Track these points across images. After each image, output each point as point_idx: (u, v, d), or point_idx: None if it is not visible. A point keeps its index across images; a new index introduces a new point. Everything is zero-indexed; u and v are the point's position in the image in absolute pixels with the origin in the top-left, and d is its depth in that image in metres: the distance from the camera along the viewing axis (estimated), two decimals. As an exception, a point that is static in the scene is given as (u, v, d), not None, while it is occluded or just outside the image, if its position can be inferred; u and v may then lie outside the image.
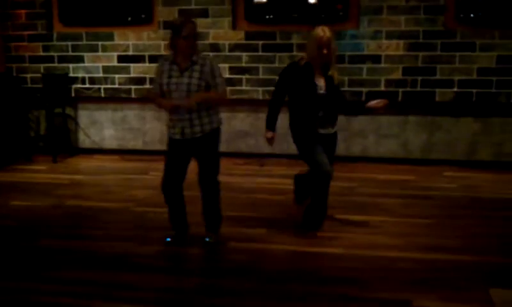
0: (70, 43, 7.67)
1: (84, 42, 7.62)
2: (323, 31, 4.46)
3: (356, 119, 7.00)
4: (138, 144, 7.77)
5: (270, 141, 4.75)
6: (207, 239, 4.54)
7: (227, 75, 7.32)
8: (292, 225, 4.89)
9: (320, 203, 4.71)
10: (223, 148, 7.58)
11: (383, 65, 6.97)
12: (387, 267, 4.06)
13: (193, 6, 7.25)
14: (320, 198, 4.69)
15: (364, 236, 4.65)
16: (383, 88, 7.00)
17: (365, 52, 6.98)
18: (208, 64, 4.22)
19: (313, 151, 4.57)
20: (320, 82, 4.56)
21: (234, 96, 7.37)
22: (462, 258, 4.22)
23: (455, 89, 6.90)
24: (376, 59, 6.98)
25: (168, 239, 4.56)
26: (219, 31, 7.27)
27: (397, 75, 6.96)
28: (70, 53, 7.69)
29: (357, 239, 4.58)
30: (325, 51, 4.44)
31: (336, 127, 4.75)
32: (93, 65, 7.64)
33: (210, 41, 7.30)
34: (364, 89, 7.03)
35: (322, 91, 4.55)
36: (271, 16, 7.28)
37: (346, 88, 7.00)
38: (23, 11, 7.74)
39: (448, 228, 4.88)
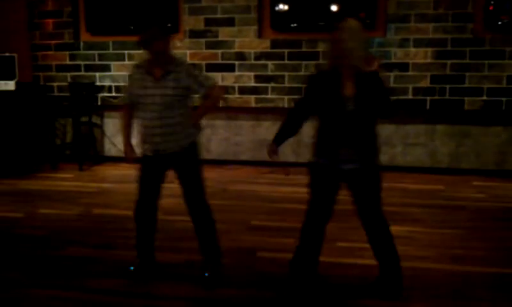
0: (96, 52, 7.73)
1: (111, 51, 7.67)
2: (344, 23, 3.37)
3: (383, 127, 6.94)
4: (163, 153, 7.78)
5: (270, 154, 3.88)
6: (206, 274, 4.00)
7: (252, 84, 7.32)
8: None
9: (301, 257, 3.85)
10: (247, 156, 7.65)
11: (410, 73, 6.90)
12: (420, 279, 3.99)
13: (219, 15, 7.27)
14: (301, 250, 3.85)
15: (394, 247, 4.57)
16: (410, 96, 6.93)
17: (393, 60, 6.92)
18: (184, 69, 3.85)
19: (312, 196, 3.69)
20: (349, 93, 3.40)
21: (259, 105, 7.36)
22: (493, 270, 4.14)
23: (484, 98, 6.80)
24: (403, 67, 6.91)
25: (132, 268, 4.12)
26: (244, 40, 7.27)
27: (425, 83, 6.89)
28: (97, 62, 7.76)
29: (387, 250, 4.50)
30: (337, 47, 3.34)
31: (370, 159, 3.55)
32: (119, 74, 7.68)
33: (236, 49, 7.31)
34: (392, 98, 6.95)
35: (350, 107, 3.40)
36: (297, 25, 7.26)
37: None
38: (50, 21, 7.82)
39: (480, 239, 4.79)
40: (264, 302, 3.71)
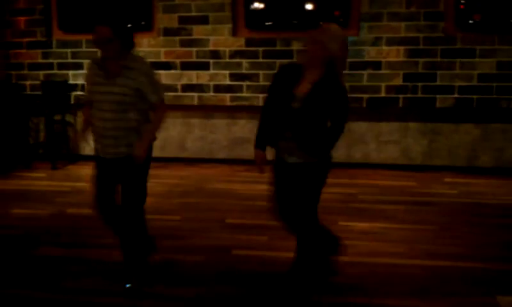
0: (69, 50, 7.66)
1: (84, 49, 7.61)
2: (322, 26, 3.48)
3: (357, 124, 7.03)
4: (138, 151, 7.73)
5: (259, 164, 3.72)
6: (127, 285, 3.82)
7: (227, 82, 7.33)
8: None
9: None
10: (223, 154, 7.65)
11: (383, 71, 6.98)
12: (392, 275, 4.04)
13: (193, 13, 7.26)
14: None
15: (367, 243, 4.63)
16: (383, 94, 7.01)
17: (366, 59, 6.99)
18: (142, 68, 3.57)
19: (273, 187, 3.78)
20: (302, 92, 3.43)
21: (234, 103, 7.37)
22: (465, 264, 4.21)
23: (455, 96, 6.91)
24: (376, 65, 6.98)
25: (128, 285, 3.84)
26: (219, 38, 7.27)
27: (398, 81, 6.97)
28: (70, 60, 7.69)
29: (360, 246, 4.56)
30: (307, 47, 3.42)
31: (313, 155, 3.53)
32: (92, 72, 7.62)
33: (211, 48, 7.31)
34: (365, 96, 7.04)
35: (296, 104, 3.44)
36: (271, 23, 7.29)
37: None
38: (22, 18, 7.73)
39: (451, 234, 4.87)
40: (239, 299, 3.73)
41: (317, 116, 3.45)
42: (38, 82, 7.77)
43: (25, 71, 7.83)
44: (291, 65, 3.64)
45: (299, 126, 3.46)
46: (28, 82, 7.85)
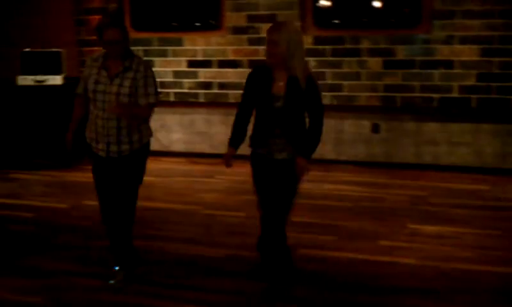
0: (141, 48, 7.83)
1: (155, 47, 7.77)
2: (279, 24, 3.79)
3: (427, 125, 6.85)
4: (205, 148, 7.83)
5: (228, 161, 3.87)
6: (111, 281, 3.89)
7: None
8: (362, 233, 4.80)
9: (265, 245, 3.91)
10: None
11: (456, 71, 6.77)
12: (462, 280, 3.92)
13: (261, 12, 7.27)
14: (263, 239, 3.92)
15: (436, 247, 4.51)
16: (456, 94, 6.80)
17: (438, 57, 6.80)
18: (143, 70, 3.64)
19: (258, 188, 3.83)
20: (279, 91, 3.58)
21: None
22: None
23: (532, 97, 6.63)
24: (448, 64, 6.78)
25: (111, 282, 3.90)
26: (287, 36, 7.25)
27: (471, 81, 6.74)
28: (142, 57, 7.85)
29: (429, 250, 4.45)
30: (268, 48, 3.55)
31: (293, 151, 3.67)
32: (163, 70, 7.77)
33: (278, 46, 7.29)
34: (436, 95, 6.85)
35: (278, 104, 3.58)
36: (340, 21, 7.21)
37: (417, 94, 6.86)
38: (96, 17, 7.96)
39: (525, 241, 4.68)
40: (302, 297, 3.71)
41: (298, 111, 3.63)
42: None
43: (98, 69, 8.06)
44: (262, 66, 3.71)
45: (286, 123, 3.62)
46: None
